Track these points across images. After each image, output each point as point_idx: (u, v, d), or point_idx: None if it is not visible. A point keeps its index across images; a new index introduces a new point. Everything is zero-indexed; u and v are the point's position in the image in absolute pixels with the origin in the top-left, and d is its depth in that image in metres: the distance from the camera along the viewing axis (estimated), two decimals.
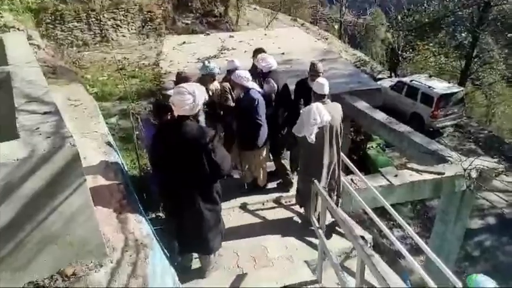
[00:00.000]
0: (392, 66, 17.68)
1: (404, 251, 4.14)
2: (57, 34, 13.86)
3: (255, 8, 23.30)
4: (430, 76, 14.89)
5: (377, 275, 2.29)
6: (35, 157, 2.10)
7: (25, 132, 2.33)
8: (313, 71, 4.81)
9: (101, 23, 14.85)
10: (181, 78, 4.32)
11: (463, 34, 18.69)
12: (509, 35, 17.19)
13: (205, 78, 5.01)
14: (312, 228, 4.38)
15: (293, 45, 12.54)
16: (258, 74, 5.10)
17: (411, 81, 13.99)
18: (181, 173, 3.29)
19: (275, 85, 5.02)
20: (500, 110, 20.35)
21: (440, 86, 13.39)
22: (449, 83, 14.67)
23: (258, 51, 5.41)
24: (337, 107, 4.36)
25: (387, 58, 18.58)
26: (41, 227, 2.22)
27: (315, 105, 4.05)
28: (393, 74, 17.10)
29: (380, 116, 8.43)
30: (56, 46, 11.93)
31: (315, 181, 3.55)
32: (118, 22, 15.20)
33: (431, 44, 20.60)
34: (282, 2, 25.01)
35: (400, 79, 14.86)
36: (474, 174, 5.93)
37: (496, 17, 16.59)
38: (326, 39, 18.90)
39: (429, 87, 13.26)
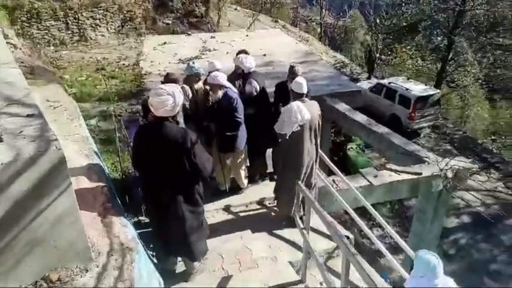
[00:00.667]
0: (370, 68, 18.01)
1: (383, 249, 4.26)
2: (33, 33, 13.49)
3: (235, 9, 23.32)
4: (408, 78, 15.27)
5: (362, 273, 2.36)
6: (20, 161, 2.08)
7: (8, 135, 2.29)
8: (293, 73, 4.89)
9: (80, 21, 14.55)
10: (170, 80, 4.28)
11: (438, 38, 19.27)
12: (482, 39, 17.81)
13: (190, 79, 5.00)
14: (295, 228, 4.47)
15: (275, 46, 12.64)
16: (239, 75, 5.12)
17: (389, 83, 14.32)
18: (162, 174, 3.28)
19: (257, 85, 5.07)
20: (473, 112, 21.04)
21: (417, 89, 13.75)
22: (426, 85, 15.07)
23: (241, 53, 5.44)
24: (315, 105, 4.46)
25: (365, 60, 18.89)
26: (26, 231, 2.20)
27: (296, 104, 4.14)
28: (371, 76, 17.43)
29: (360, 117, 8.61)
30: (33, 45, 11.62)
31: (299, 183, 3.61)
32: (97, 21, 14.93)
33: (408, 47, 21.13)
34: (263, 3, 25.14)
35: (379, 81, 15.18)
36: (450, 174, 6.13)
37: (470, 21, 17.14)
38: (307, 41, 19.08)
39: (407, 89, 13.60)
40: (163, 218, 3.44)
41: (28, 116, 2.58)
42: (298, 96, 4.31)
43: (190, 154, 3.20)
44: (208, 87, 4.72)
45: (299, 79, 4.41)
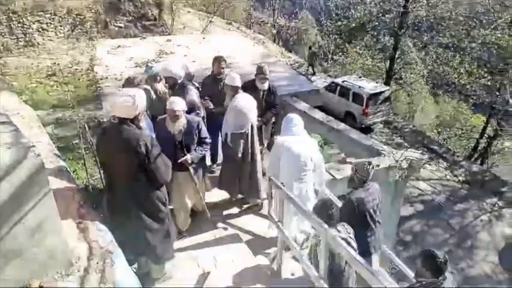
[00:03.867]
0: (311, 65, 18.03)
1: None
2: None
3: (188, 11, 23.14)
4: (360, 77, 15.98)
5: (345, 253, 2.54)
6: None
7: None
8: (261, 73, 5.04)
9: (25, 26, 13.87)
10: (131, 84, 4.24)
11: (386, 38, 20.31)
12: (424, 38, 19.05)
13: (150, 80, 4.97)
14: (263, 223, 4.62)
15: (232, 49, 12.72)
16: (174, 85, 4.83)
17: (343, 81, 14.90)
18: (119, 177, 3.26)
19: (196, 90, 4.94)
20: (420, 107, 22.40)
21: (369, 86, 14.43)
22: (377, 82, 15.85)
23: (217, 59, 5.30)
24: (250, 97, 4.78)
25: (314, 59, 19.00)
26: (6, 240, 2.16)
27: (237, 101, 4.52)
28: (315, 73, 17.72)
29: (320, 115, 8.92)
30: None
31: (272, 178, 3.76)
32: (44, 25, 14.31)
33: (358, 47, 22.09)
34: (217, 6, 25.15)
35: (333, 80, 15.75)
36: (405, 165, 6.56)
37: (413, 22, 18.25)
38: (263, 42, 19.38)
39: (360, 87, 14.23)
40: (124, 221, 3.36)
41: None
42: (234, 90, 4.61)
43: (144, 158, 3.14)
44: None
45: (233, 74, 4.74)
